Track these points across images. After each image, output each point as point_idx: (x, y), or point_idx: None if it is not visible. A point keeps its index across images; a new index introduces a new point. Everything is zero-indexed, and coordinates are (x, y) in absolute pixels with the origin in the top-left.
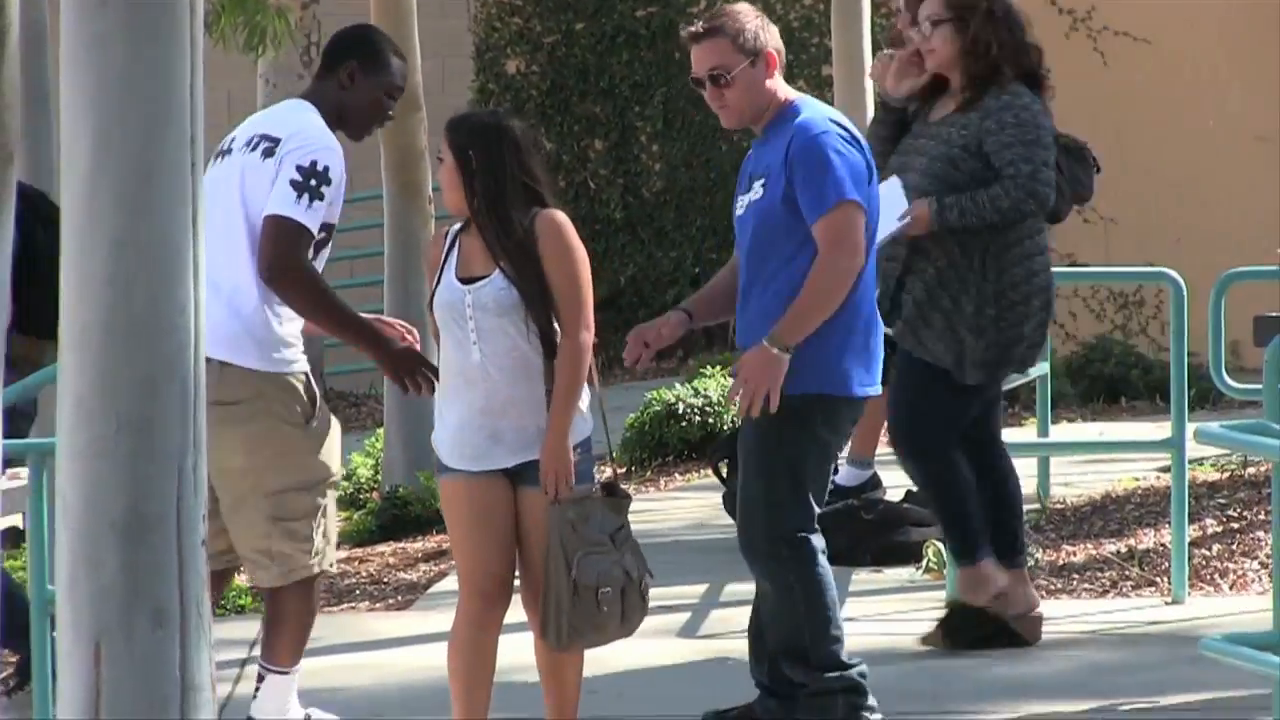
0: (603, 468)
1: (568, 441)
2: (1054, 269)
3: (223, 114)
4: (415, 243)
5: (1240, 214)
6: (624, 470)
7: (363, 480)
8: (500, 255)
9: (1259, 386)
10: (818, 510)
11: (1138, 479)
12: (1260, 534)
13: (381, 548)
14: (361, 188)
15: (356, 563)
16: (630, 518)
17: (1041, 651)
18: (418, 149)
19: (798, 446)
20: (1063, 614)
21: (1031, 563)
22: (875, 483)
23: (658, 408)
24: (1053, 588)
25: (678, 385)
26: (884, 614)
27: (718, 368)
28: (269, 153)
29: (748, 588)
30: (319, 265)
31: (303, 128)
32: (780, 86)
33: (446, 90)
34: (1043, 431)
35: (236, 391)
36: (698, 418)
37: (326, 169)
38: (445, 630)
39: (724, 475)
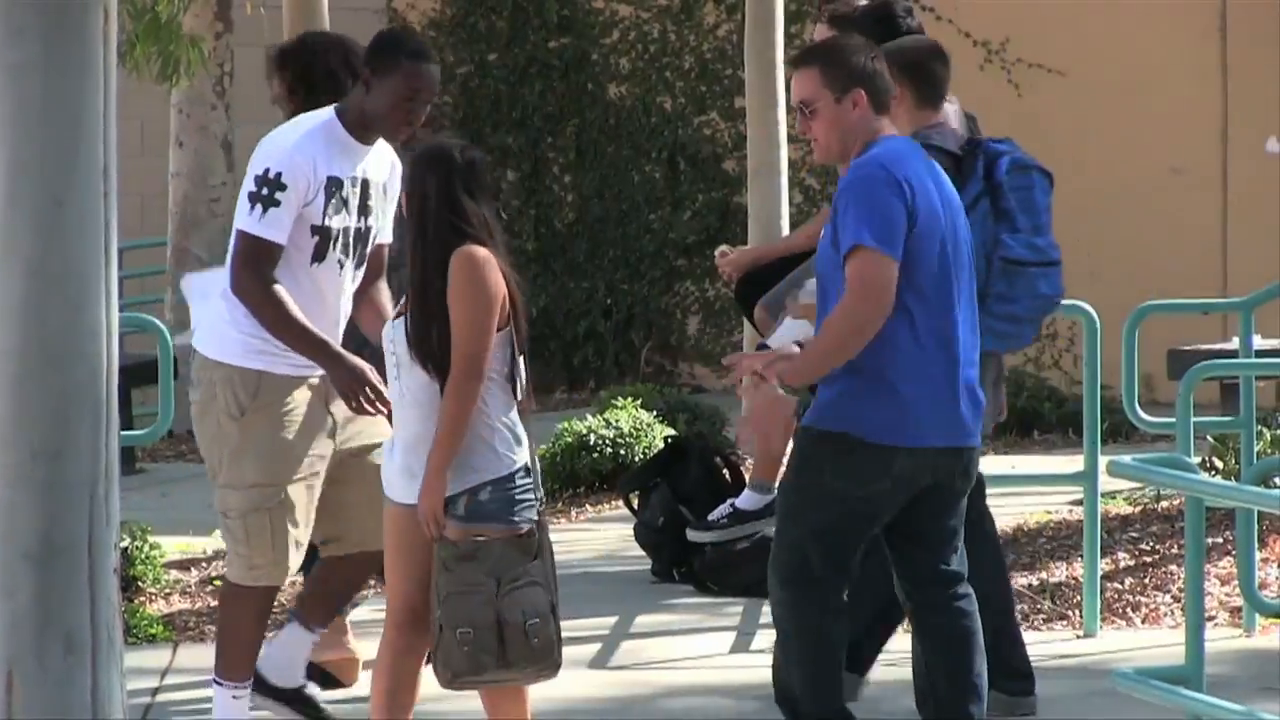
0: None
1: (441, 480)
2: None
3: (135, 143)
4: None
5: (1154, 247)
6: None
7: None
8: (409, 291)
9: (1172, 420)
10: (838, 563)
11: (1050, 512)
12: (1173, 568)
13: (293, 578)
14: None
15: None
16: (564, 547)
17: None
18: None
19: (807, 489)
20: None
21: None
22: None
23: (569, 439)
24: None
25: (589, 416)
26: None
27: (629, 399)
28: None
29: (659, 619)
30: (329, 264)
31: (267, 139)
32: (872, 123)
33: None
34: None
35: (196, 377)
36: (609, 449)
37: (279, 175)
38: (371, 655)
39: (635, 507)
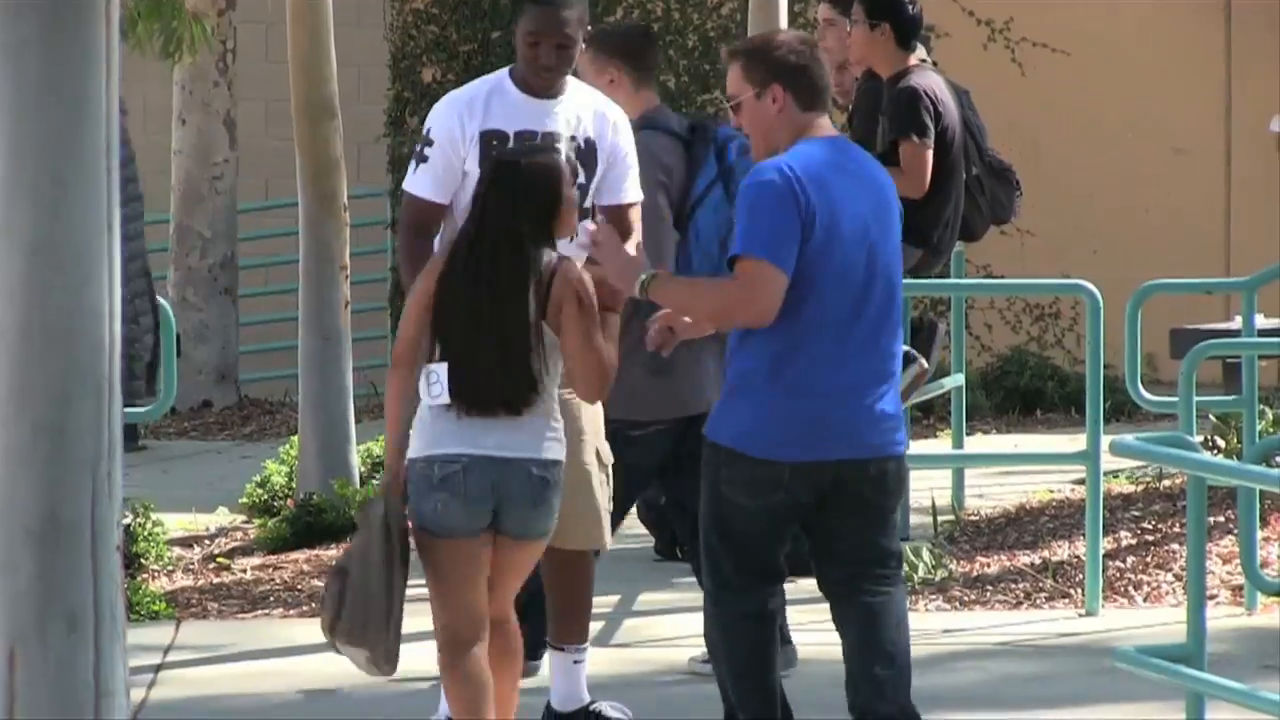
0: None
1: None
2: (970, 280)
3: (138, 120)
4: (330, 251)
5: (1157, 226)
6: None
7: (277, 487)
8: None
9: (1174, 399)
10: (753, 569)
11: (1052, 491)
12: (1175, 546)
13: (295, 555)
14: (277, 195)
15: (270, 570)
16: None
17: (954, 662)
18: (333, 157)
19: (711, 499)
20: (976, 625)
21: (945, 574)
22: None
23: None
24: (966, 599)
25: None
26: (798, 624)
27: None
28: None
29: (662, 597)
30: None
31: None
32: (795, 120)
33: (362, 99)
34: (957, 443)
35: None
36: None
37: (428, 130)
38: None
39: None
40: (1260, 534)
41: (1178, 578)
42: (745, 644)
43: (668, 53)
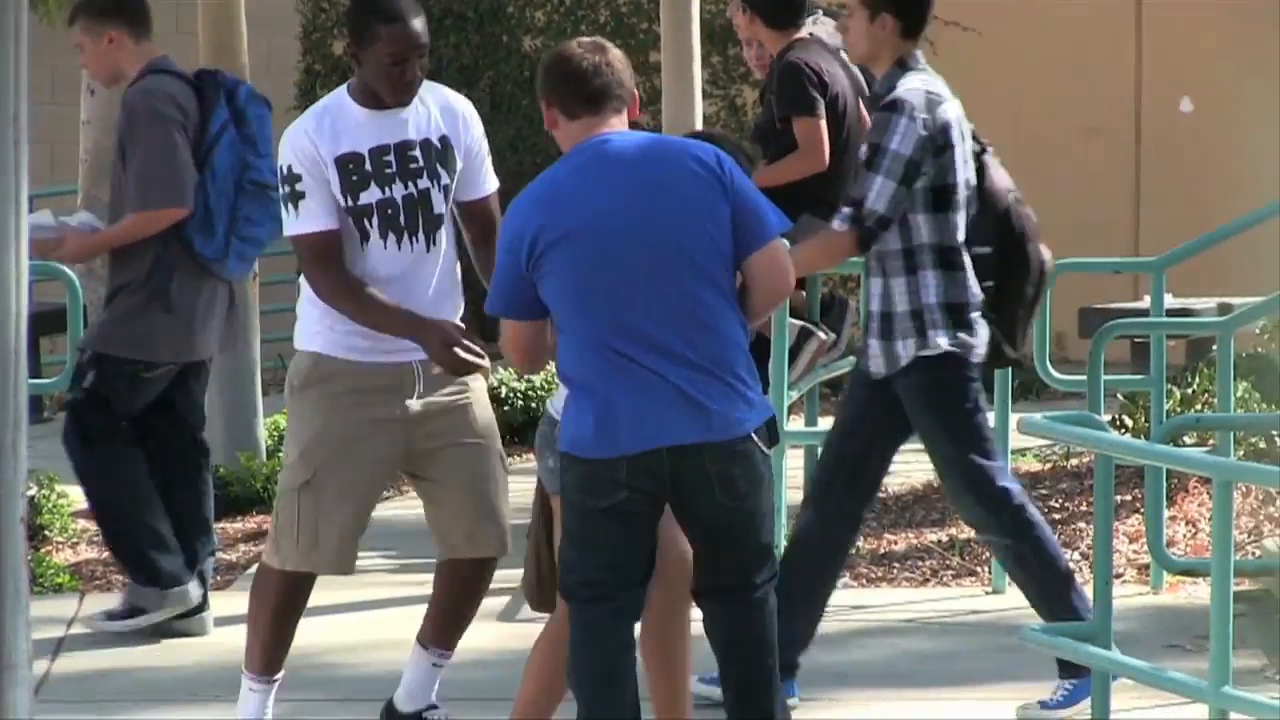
0: None
1: None
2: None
3: (46, 91)
4: None
5: (1067, 205)
6: None
7: None
8: None
9: (1083, 378)
10: (578, 579)
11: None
12: (1082, 525)
13: None
14: None
15: None
16: None
17: (862, 640)
18: None
19: (566, 507)
20: (883, 602)
21: (853, 551)
22: None
23: None
24: (874, 576)
25: (501, 369)
26: None
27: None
28: None
29: None
30: (377, 241)
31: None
32: (571, 132)
33: (272, 70)
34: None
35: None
36: (521, 402)
37: (288, 167)
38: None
39: None
40: (1167, 513)
41: (1084, 556)
42: (578, 664)
43: (579, 28)
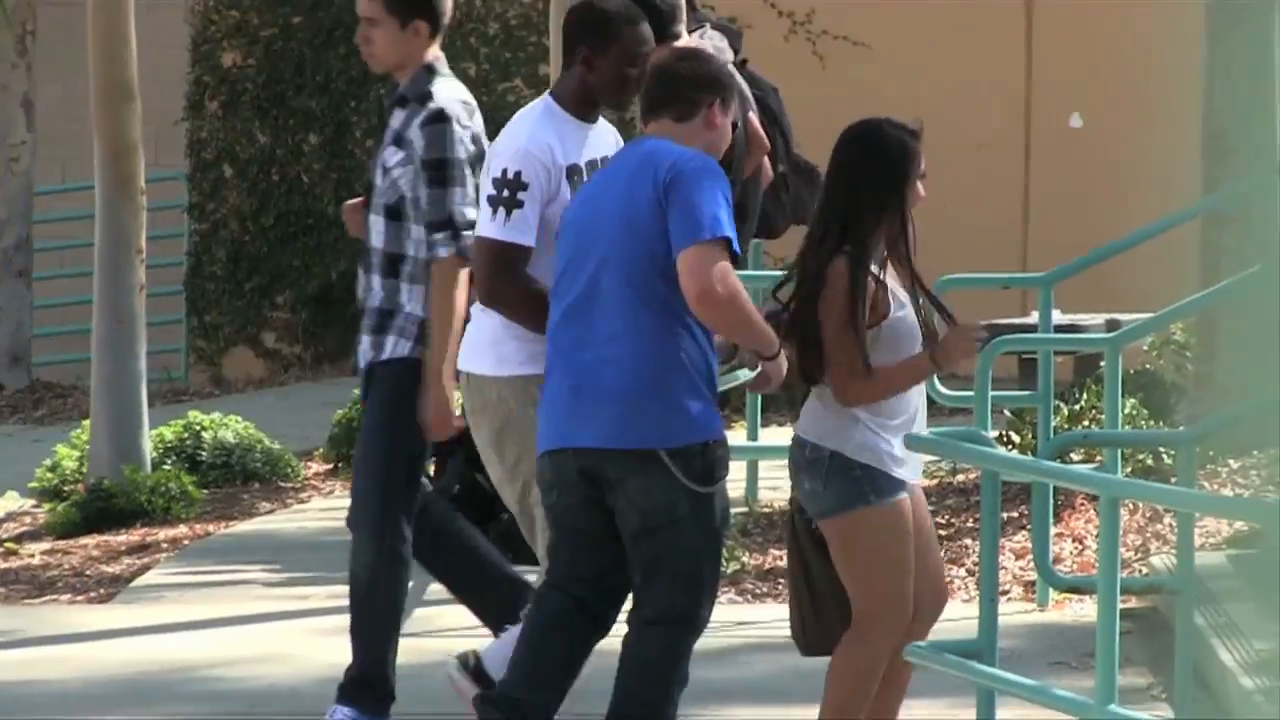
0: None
1: None
2: (769, 272)
3: None
4: (126, 235)
5: (956, 220)
6: (331, 467)
7: (68, 472)
8: None
9: (970, 393)
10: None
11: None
12: (968, 541)
13: (85, 540)
14: (75, 177)
15: (59, 555)
16: (335, 516)
17: (746, 655)
18: (131, 141)
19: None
20: (768, 618)
21: (738, 567)
22: None
23: None
24: (759, 592)
25: None
26: None
27: None
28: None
29: None
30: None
31: (499, 137)
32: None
33: (161, 82)
34: (752, 435)
35: (478, 400)
36: None
37: (518, 174)
38: (149, 624)
39: (431, 474)
40: (1053, 530)
41: (971, 573)
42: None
43: (469, 40)
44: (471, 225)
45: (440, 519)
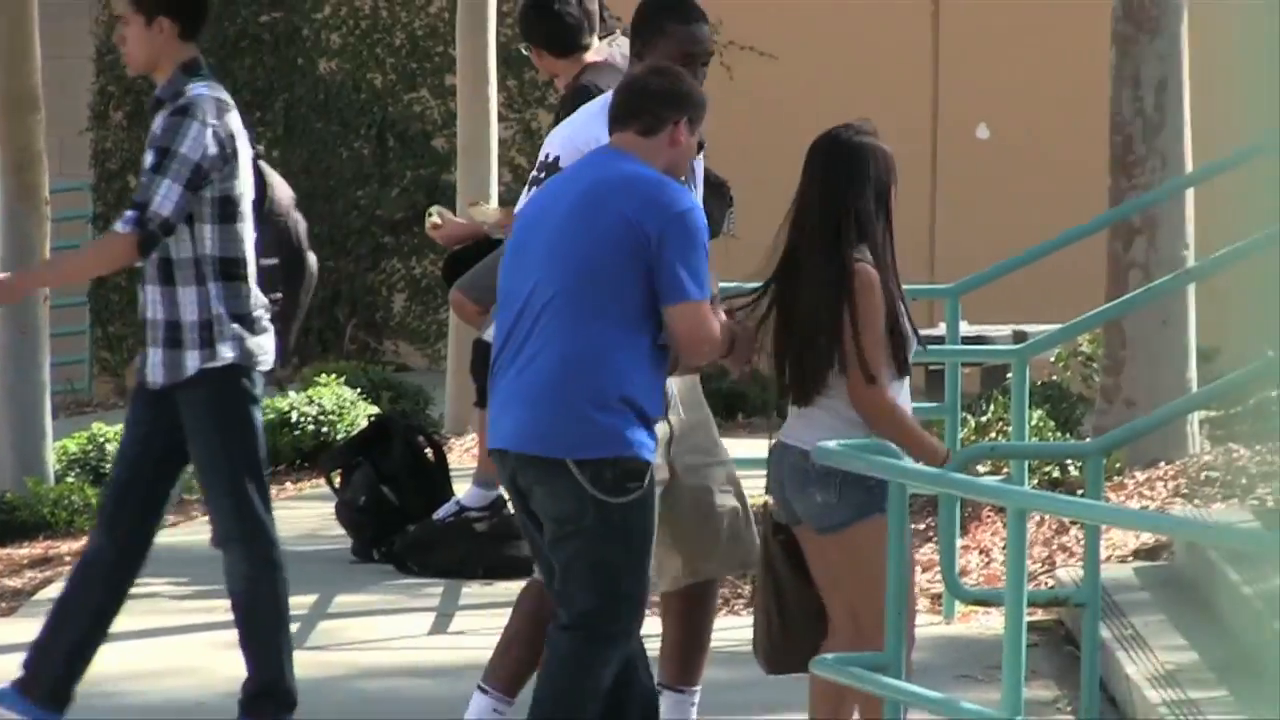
0: None
1: None
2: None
3: None
4: (30, 244)
5: None
6: None
7: None
8: None
9: None
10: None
11: (754, 495)
12: None
13: None
14: None
15: None
16: None
17: (653, 669)
18: (35, 150)
19: None
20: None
21: None
22: (501, 504)
23: (271, 415)
24: None
25: (292, 393)
26: (495, 628)
27: (333, 376)
28: None
29: (359, 599)
30: None
31: (560, 125)
32: None
33: (66, 91)
34: None
35: None
36: (312, 426)
37: (556, 159)
38: None
39: (336, 485)
40: (960, 542)
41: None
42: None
43: (375, 51)
44: (167, 225)
45: None
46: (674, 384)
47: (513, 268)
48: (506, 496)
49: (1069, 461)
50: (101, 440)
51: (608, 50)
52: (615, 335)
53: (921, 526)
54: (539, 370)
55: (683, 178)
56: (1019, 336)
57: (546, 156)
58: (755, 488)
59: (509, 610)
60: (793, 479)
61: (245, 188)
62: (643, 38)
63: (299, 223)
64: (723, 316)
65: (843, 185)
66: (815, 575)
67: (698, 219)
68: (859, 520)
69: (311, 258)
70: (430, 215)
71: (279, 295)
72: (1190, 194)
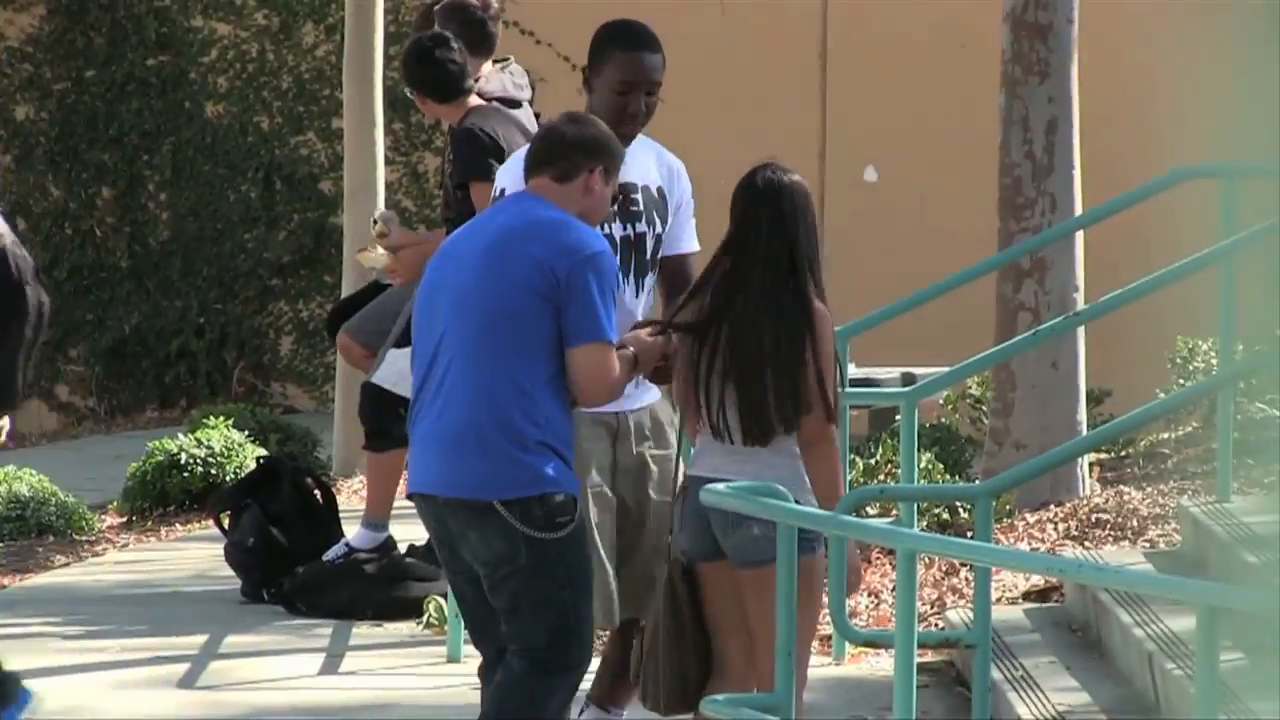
0: None
1: None
2: None
3: None
4: None
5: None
6: (125, 520)
7: None
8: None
9: None
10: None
11: None
12: None
13: None
14: None
15: None
16: (130, 569)
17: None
18: None
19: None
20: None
21: None
22: (390, 546)
23: (160, 457)
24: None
25: (180, 435)
26: (385, 668)
27: (221, 418)
28: None
29: (248, 639)
30: (624, 280)
31: None
32: None
33: None
34: None
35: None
36: (200, 468)
37: (501, 190)
38: None
39: (225, 526)
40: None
41: None
42: None
43: (262, 94)
44: None
45: None
46: (636, 419)
47: (426, 305)
48: (395, 539)
49: (959, 503)
50: None
51: (499, 77)
52: (530, 376)
53: None
54: (457, 415)
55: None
56: (908, 379)
57: (500, 191)
58: None
59: (398, 650)
60: (728, 515)
61: None
62: (592, 64)
63: (22, 258)
64: (661, 341)
65: (792, 224)
66: (720, 614)
67: (607, 261)
68: (800, 557)
69: (34, 291)
70: (375, 224)
71: None
72: (1080, 236)
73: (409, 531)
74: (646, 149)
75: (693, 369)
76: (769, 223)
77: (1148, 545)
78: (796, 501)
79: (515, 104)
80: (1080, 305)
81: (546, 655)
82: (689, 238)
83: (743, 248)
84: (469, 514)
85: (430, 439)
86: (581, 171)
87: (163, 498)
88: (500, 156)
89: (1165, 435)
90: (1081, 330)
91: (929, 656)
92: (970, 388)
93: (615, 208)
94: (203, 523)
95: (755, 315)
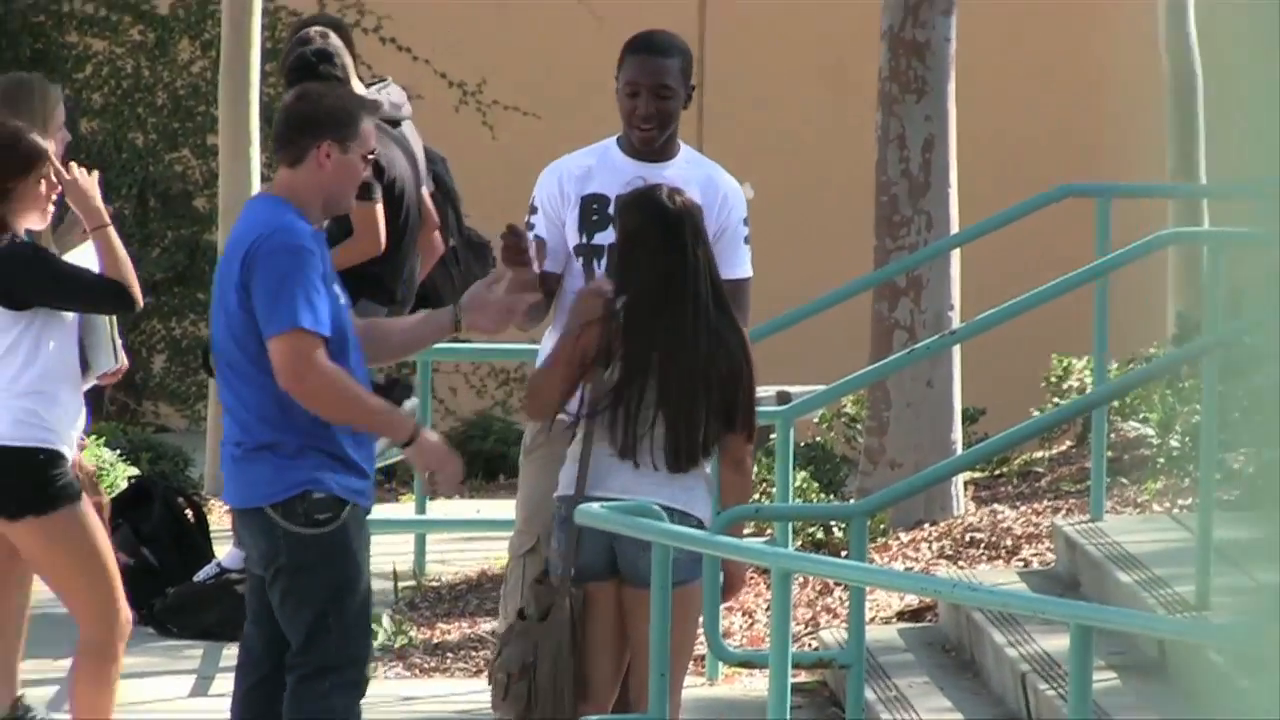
0: None
1: None
2: (442, 345)
3: None
4: None
5: None
6: None
7: None
8: None
9: None
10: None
11: (500, 556)
12: None
13: None
14: None
15: None
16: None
17: None
18: None
19: None
20: (435, 693)
21: (405, 640)
22: None
23: None
24: (427, 666)
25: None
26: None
27: (92, 437)
28: None
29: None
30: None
31: None
32: None
33: None
34: (420, 508)
35: None
36: None
37: (531, 200)
38: None
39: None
40: (723, 604)
41: None
42: None
43: (137, 110)
44: None
45: None
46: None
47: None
48: None
49: (834, 523)
50: None
51: (374, 95)
52: (273, 386)
53: None
54: (228, 427)
55: (348, 201)
56: (783, 398)
57: (530, 202)
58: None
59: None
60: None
61: None
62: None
63: None
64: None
65: (707, 250)
66: (597, 635)
67: (281, 239)
68: (695, 579)
69: None
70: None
71: None
72: (956, 255)
73: None
74: (696, 167)
75: (618, 397)
76: (694, 249)
77: (1021, 564)
78: (685, 516)
79: (395, 123)
80: (956, 324)
81: (313, 659)
82: (735, 264)
83: (680, 277)
84: (245, 520)
85: (224, 451)
86: (310, 150)
87: None
88: (380, 177)
89: (1039, 454)
90: (957, 349)
91: (803, 677)
92: (845, 406)
93: (577, 213)
94: None
95: (691, 342)
